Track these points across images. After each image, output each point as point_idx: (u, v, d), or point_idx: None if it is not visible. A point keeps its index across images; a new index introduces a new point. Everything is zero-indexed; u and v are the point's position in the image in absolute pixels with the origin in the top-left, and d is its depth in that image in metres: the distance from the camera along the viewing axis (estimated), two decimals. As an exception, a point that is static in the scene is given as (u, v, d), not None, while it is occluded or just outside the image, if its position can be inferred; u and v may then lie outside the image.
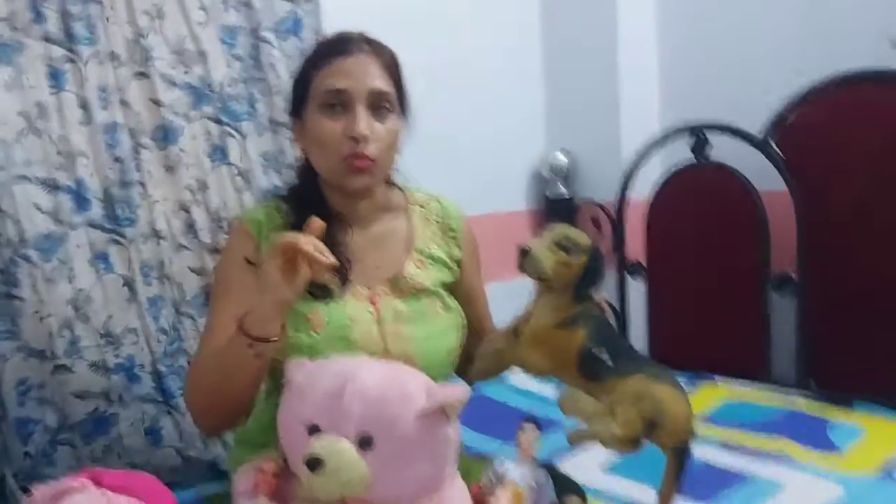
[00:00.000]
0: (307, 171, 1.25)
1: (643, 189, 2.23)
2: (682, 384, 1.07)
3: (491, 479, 1.02)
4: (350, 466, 0.88)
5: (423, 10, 2.22)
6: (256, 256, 1.19)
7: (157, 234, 1.64)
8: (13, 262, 1.46)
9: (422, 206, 1.34)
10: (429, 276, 1.26)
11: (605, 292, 1.18)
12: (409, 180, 1.35)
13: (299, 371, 0.98)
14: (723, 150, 2.05)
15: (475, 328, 1.33)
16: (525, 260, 1.10)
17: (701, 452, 1.07)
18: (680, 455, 1.04)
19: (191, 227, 1.68)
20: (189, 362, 1.63)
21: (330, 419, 0.90)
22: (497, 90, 2.43)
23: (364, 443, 0.88)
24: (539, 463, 1.07)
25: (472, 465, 1.20)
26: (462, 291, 1.33)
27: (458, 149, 2.30)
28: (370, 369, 0.95)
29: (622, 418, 0.99)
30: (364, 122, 1.15)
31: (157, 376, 1.61)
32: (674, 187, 2.16)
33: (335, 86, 1.16)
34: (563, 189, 2.48)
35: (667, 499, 1.05)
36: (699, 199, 2.12)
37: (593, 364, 1.06)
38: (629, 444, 1.00)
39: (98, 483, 0.87)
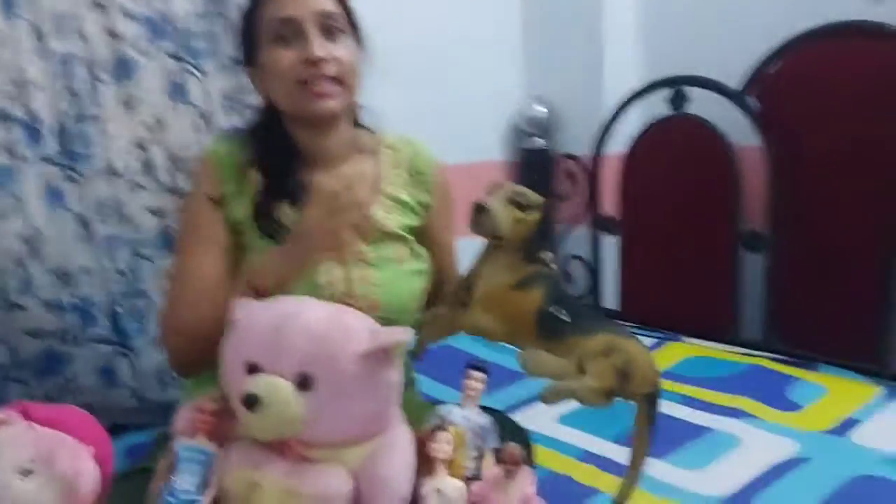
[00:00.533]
0: (270, 112, 1.21)
1: (621, 144, 2.20)
2: (649, 342, 1.04)
3: (434, 422, 1.00)
4: (287, 405, 0.85)
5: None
6: (219, 193, 1.16)
7: (113, 172, 1.60)
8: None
9: (393, 150, 1.30)
10: (395, 221, 1.23)
11: (551, 252, 1.14)
12: (380, 122, 1.30)
13: (243, 309, 0.95)
14: (702, 104, 2.02)
15: (439, 278, 1.31)
16: (482, 217, 1.05)
17: (660, 406, 1.08)
18: (651, 402, 1.02)
19: (148, 167, 1.64)
20: (155, 308, 1.61)
21: (270, 357, 0.87)
22: (476, 38, 2.36)
23: (303, 383, 0.86)
24: (486, 409, 1.05)
25: (424, 411, 1.19)
26: (427, 239, 1.30)
27: (434, 94, 2.25)
28: (314, 308, 0.92)
29: (596, 370, 0.98)
30: (318, 43, 1.11)
31: (114, 317, 1.59)
32: (649, 141, 2.13)
33: (282, 14, 1.12)
34: (539, 141, 2.44)
35: (641, 448, 1.03)
36: (674, 154, 2.09)
37: (553, 324, 1.03)
38: (605, 396, 0.98)
39: (26, 416, 0.85)
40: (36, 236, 1.51)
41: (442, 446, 0.95)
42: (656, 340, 2.00)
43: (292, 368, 0.86)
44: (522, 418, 1.46)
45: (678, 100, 2.04)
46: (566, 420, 1.48)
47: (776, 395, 1.60)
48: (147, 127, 1.63)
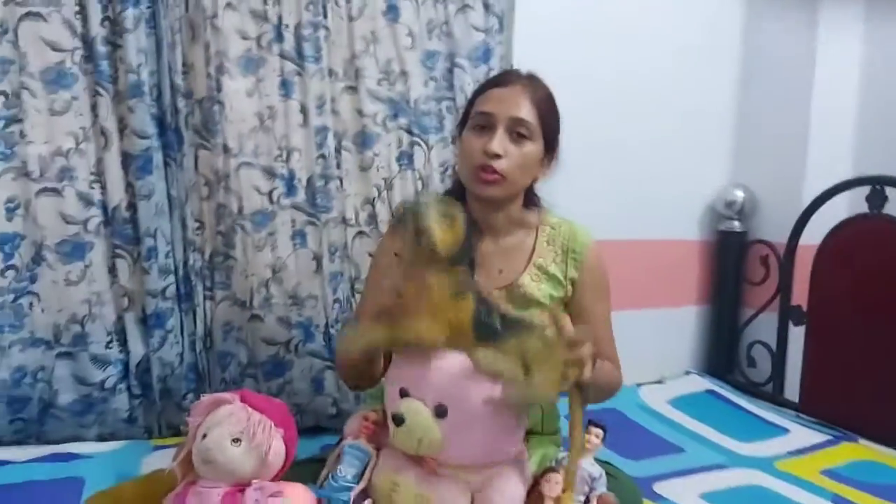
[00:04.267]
0: (459, 182, 1.45)
1: (818, 235, 2.20)
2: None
3: (552, 465, 1.19)
4: (424, 427, 1.08)
5: (615, 33, 2.31)
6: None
7: (345, 221, 1.94)
8: (232, 229, 1.84)
9: (552, 228, 1.48)
10: (540, 289, 1.42)
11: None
12: (551, 205, 1.49)
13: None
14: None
15: None
16: (423, 237, 1.14)
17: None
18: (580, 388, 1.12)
19: (373, 219, 1.97)
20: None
21: (416, 386, 1.11)
22: (686, 118, 2.45)
23: (440, 412, 1.09)
24: (601, 462, 1.22)
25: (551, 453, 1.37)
26: (573, 310, 1.45)
27: (637, 171, 2.38)
28: (456, 355, 1.14)
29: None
30: (498, 142, 1.31)
31: (328, 337, 1.92)
32: (844, 237, 2.11)
33: (483, 109, 1.35)
34: (735, 223, 2.49)
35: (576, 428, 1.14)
36: (868, 253, 2.05)
37: (485, 330, 1.11)
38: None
39: (244, 400, 1.16)
40: (280, 266, 1.88)
41: (552, 486, 1.13)
42: (831, 438, 1.97)
43: (432, 398, 1.10)
44: (667, 489, 1.57)
45: (876, 199, 2.01)
46: (709, 497, 1.55)
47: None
48: (377, 187, 1.98)
